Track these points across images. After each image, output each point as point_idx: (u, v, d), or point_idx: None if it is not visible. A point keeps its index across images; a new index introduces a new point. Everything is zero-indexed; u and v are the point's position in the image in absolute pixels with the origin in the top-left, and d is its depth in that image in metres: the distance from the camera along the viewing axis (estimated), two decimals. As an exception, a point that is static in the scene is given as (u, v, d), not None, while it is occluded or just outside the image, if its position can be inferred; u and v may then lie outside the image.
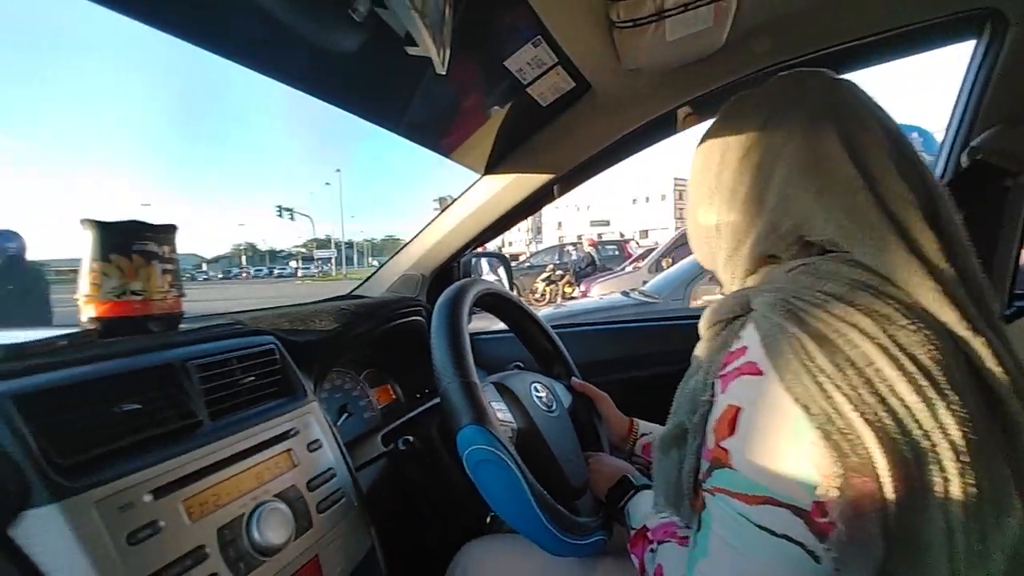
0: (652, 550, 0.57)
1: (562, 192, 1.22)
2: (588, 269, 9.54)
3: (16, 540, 0.39)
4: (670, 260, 5.80)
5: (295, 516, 0.57)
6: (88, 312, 0.60)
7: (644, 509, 0.64)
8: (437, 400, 1.06)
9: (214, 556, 0.48)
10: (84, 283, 0.60)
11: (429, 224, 1.25)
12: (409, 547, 0.79)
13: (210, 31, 0.66)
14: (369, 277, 1.30)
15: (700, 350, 0.51)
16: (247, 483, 0.54)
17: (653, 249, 8.41)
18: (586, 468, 0.77)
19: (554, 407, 0.80)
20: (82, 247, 0.60)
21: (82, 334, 0.56)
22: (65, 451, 0.44)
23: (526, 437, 0.72)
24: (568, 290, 9.08)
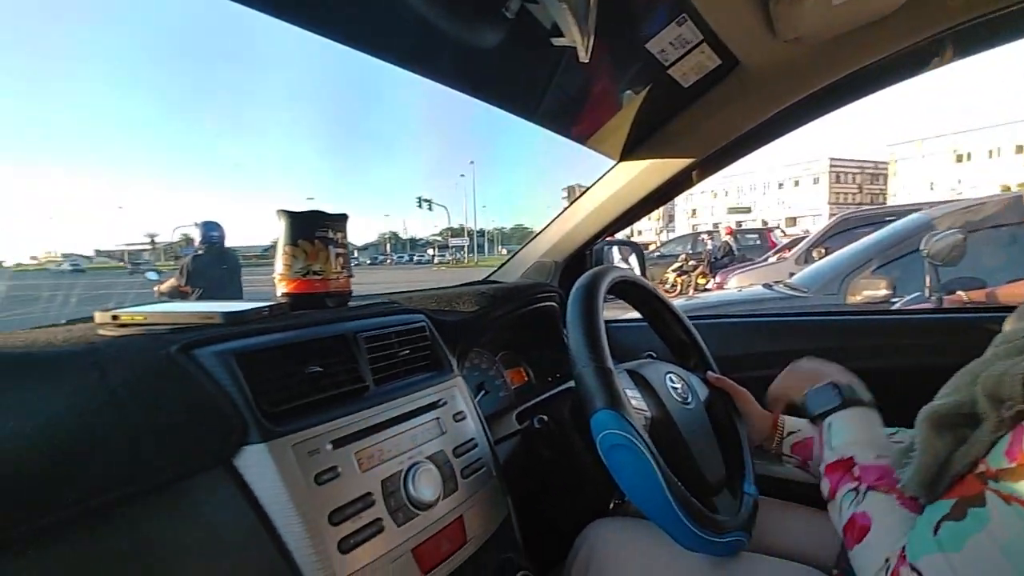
0: (856, 490, 0.54)
1: (701, 177, 1.16)
2: (725, 259, 8.92)
3: (238, 468, 0.48)
4: (822, 250, 5.19)
5: (443, 478, 0.63)
6: (281, 288, 0.72)
7: (852, 436, 0.59)
8: (569, 384, 1.09)
9: (379, 503, 0.55)
10: (278, 264, 0.72)
11: (563, 212, 1.27)
12: (538, 521, 0.83)
13: (364, 34, 0.73)
14: (504, 263, 1.36)
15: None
16: (404, 444, 0.61)
17: (801, 238, 7.59)
18: (723, 466, 0.74)
19: (689, 399, 0.78)
20: (277, 233, 0.72)
21: (277, 306, 0.67)
22: (269, 401, 0.53)
23: (660, 427, 0.71)
24: (701, 281, 8.58)
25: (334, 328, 0.65)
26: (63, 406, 0.44)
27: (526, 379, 1.16)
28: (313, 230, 0.71)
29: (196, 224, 3.67)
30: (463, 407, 0.73)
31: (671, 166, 1.09)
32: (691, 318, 0.98)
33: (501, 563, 0.68)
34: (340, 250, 0.74)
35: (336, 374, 0.61)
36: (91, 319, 0.66)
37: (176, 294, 3.46)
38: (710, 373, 0.88)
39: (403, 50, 0.78)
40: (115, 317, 0.61)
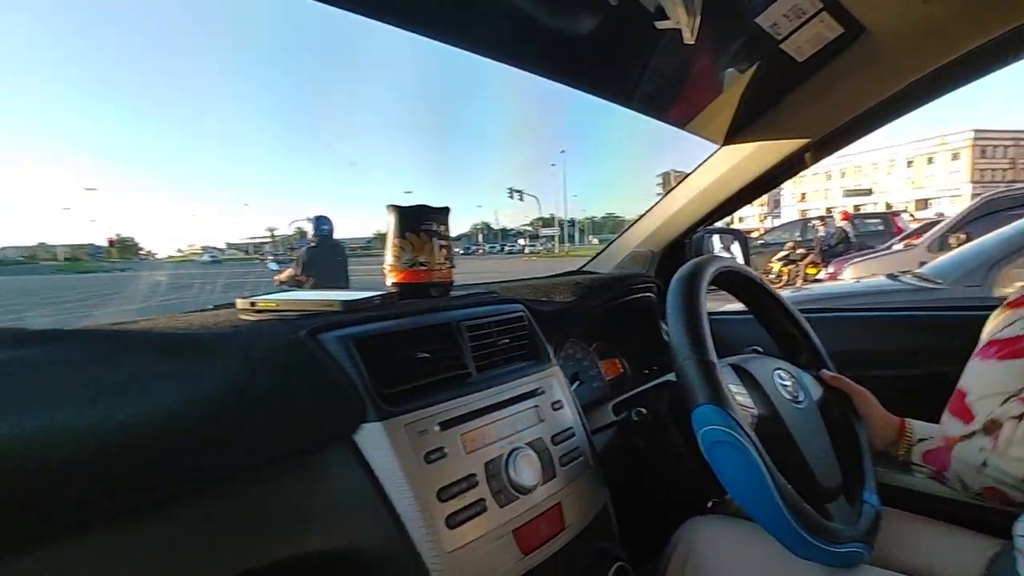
0: None
1: (815, 159, 1.07)
2: (839, 247, 8.13)
3: (358, 444, 0.53)
4: (962, 236, 4.55)
5: (542, 464, 0.64)
6: (391, 278, 0.77)
7: None
8: (667, 377, 1.06)
9: (482, 484, 0.58)
10: (388, 255, 0.77)
11: (660, 200, 1.24)
12: (632, 514, 0.82)
13: (462, 30, 0.75)
14: (599, 253, 1.35)
15: None
16: (504, 429, 0.64)
17: (935, 222, 6.70)
18: (839, 471, 0.69)
19: (801, 397, 0.73)
20: (387, 226, 0.77)
21: (387, 295, 0.72)
22: (383, 383, 0.57)
23: (768, 426, 0.67)
24: (811, 271, 7.90)
25: (439, 317, 0.69)
26: (216, 380, 0.51)
27: (621, 370, 1.15)
28: (419, 223, 0.75)
29: (309, 218, 4.01)
30: (560, 396, 0.74)
31: (781, 148, 1.02)
32: (800, 311, 0.91)
33: (598, 552, 0.69)
34: (443, 242, 0.78)
35: (441, 360, 0.64)
36: (233, 305, 0.75)
37: (293, 282, 3.80)
38: (824, 371, 0.82)
39: (499, 43, 0.80)
40: (253, 304, 0.69)
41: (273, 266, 4.63)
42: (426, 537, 0.52)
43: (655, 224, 1.23)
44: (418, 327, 0.65)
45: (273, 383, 0.52)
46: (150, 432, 0.44)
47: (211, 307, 0.87)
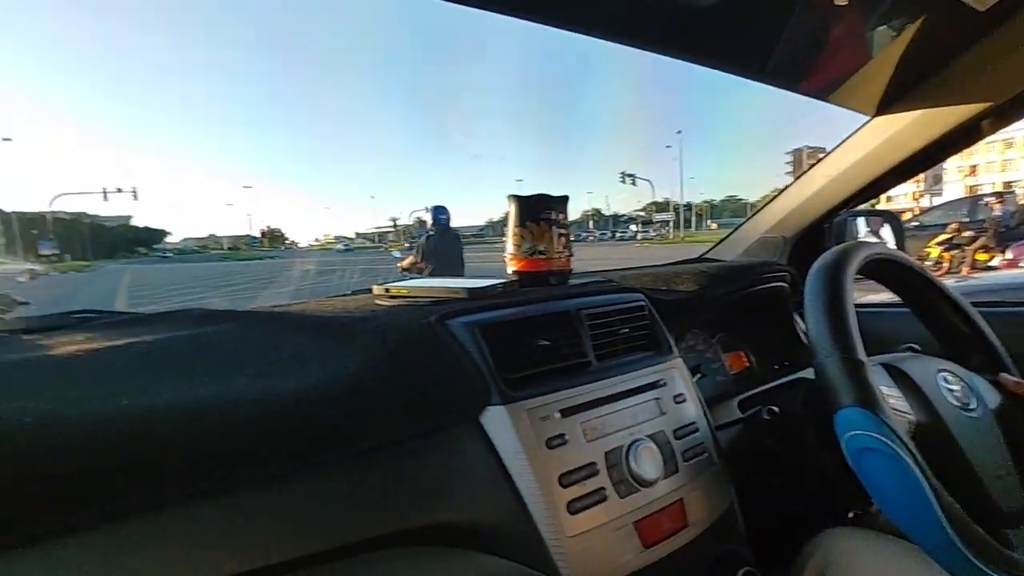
0: None
1: (996, 128, 0.91)
2: (1021, 228, 6.86)
3: (484, 426, 0.56)
4: None
5: (663, 458, 0.63)
6: (511, 266, 0.79)
7: None
8: (801, 374, 0.98)
9: (602, 473, 0.58)
10: (509, 244, 0.79)
11: (793, 181, 1.13)
12: (760, 518, 0.77)
13: (582, 13, 0.74)
14: (723, 239, 1.27)
15: None
16: (625, 420, 0.63)
17: None
18: (1023, 493, 0.59)
19: (972, 405, 0.63)
20: (509, 215, 0.79)
21: (509, 283, 0.75)
22: (506, 369, 0.59)
23: (929, 435, 0.59)
24: (982, 257, 6.76)
25: (559, 305, 0.69)
26: (357, 360, 0.56)
27: (747, 364, 1.08)
28: (539, 212, 0.77)
29: (427, 208, 4.24)
30: (683, 389, 0.72)
31: (951, 116, 0.88)
32: (972, 304, 0.79)
33: (724, 554, 0.66)
34: (562, 230, 0.78)
35: (561, 348, 0.65)
36: (369, 291, 0.82)
37: (414, 269, 4.05)
38: (1005, 376, 0.70)
39: (620, 23, 0.78)
40: (387, 290, 0.75)
41: (396, 253, 4.99)
42: (548, 520, 0.53)
43: (788, 207, 1.13)
44: (539, 315, 0.67)
45: (407, 364, 0.56)
46: (307, 403, 0.50)
47: (349, 292, 0.96)
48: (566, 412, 0.59)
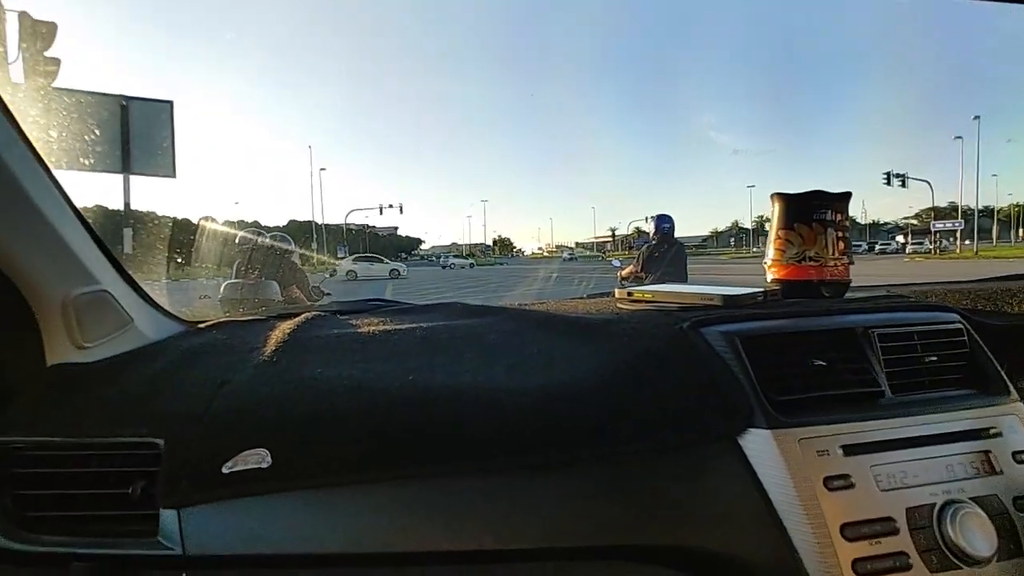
0: None
1: None
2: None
3: (744, 448, 0.49)
4: None
5: (996, 532, 0.47)
6: (771, 274, 0.70)
7: None
8: None
9: (903, 534, 0.46)
10: (770, 249, 0.70)
11: None
12: None
13: None
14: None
15: None
16: (935, 472, 0.49)
17: None
18: None
19: None
20: (771, 217, 0.70)
21: (770, 292, 0.66)
22: (772, 389, 0.51)
23: None
24: None
25: (838, 320, 0.58)
26: (603, 362, 0.55)
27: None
28: (811, 212, 0.66)
29: (650, 217, 4.13)
30: None
31: None
32: None
33: None
34: (841, 233, 0.66)
35: (842, 372, 0.54)
36: (610, 294, 0.81)
37: (633, 279, 3.98)
38: None
39: None
40: (630, 294, 0.73)
41: (615, 263, 4.99)
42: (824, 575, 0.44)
43: None
44: (813, 330, 0.57)
45: (656, 371, 0.53)
46: (555, 399, 0.50)
47: (585, 296, 0.98)
48: (850, 450, 0.49)
